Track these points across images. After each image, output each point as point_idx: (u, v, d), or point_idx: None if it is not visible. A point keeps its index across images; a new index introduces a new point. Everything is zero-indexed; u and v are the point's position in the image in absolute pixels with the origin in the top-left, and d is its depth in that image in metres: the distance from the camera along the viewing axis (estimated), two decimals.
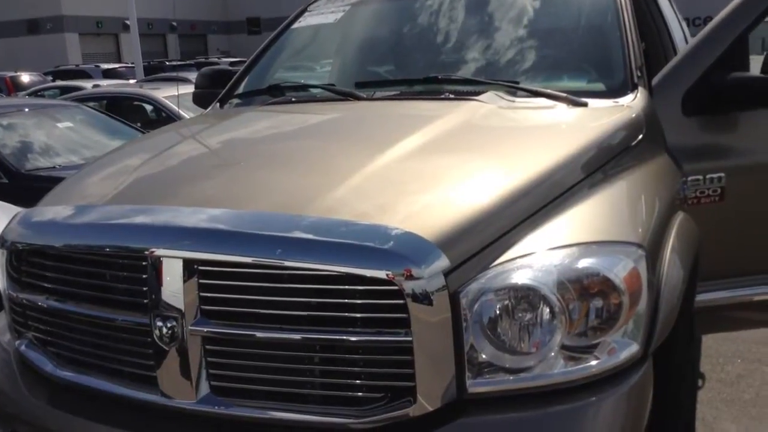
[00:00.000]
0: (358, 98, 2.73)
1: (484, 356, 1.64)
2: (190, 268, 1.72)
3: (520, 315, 1.64)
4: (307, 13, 3.54)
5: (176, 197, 1.95)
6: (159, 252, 1.75)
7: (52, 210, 2.09)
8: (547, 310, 1.64)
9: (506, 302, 1.64)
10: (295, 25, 3.52)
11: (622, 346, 1.70)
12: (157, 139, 2.81)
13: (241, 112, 3.02)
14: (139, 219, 1.86)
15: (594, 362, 1.68)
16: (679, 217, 2.21)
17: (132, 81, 14.81)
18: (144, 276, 1.77)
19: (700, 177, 2.56)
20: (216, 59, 27.00)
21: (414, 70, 3.01)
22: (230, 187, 2.01)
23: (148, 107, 8.56)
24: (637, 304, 1.72)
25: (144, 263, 1.77)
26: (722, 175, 2.57)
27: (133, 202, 1.99)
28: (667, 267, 1.92)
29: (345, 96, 2.77)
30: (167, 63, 25.24)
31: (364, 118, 2.60)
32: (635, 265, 1.74)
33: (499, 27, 2.98)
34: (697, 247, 2.25)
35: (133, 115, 8.25)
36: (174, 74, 14.41)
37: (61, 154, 5.80)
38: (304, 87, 3.08)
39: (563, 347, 1.66)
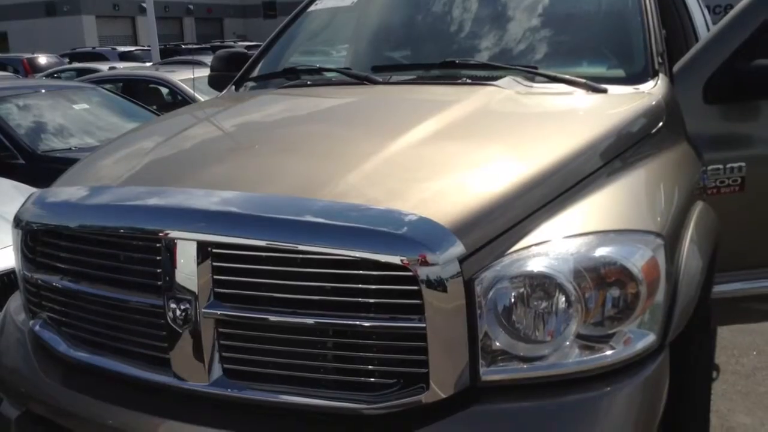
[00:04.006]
0: (375, 82, 2.71)
1: (498, 344, 1.63)
2: (203, 250, 1.71)
3: (535, 303, 1.62)
4: None
5: (191, 179, 1.94)
6: (173, 234, 1.74)
7: (67, 191, 2.09)
8: (563, 298, 1.61)
9: (521, 290, 1.62)
10: (311, 8, 3.49)
11: (638, 337, 1.68)
12: (172, 121, 2.81)
13: (256, 95, 3.00)
14: (154, 201, 1.85)
15: (609, 352, 1.66)
16: (699, 207, 2.17)
17: (148, 64, 14.85)
18: (158, 258, 1.77)
19: (721, 166, 2.53)
20: (232, 43, 26.99)
21: (431, 54, 2.98)
22: (245, 170, 2.00)
23: (164, 90, 8.58)
24: (655, 294, 1.69)
25: (158, 245, 1.77)
26: (743, 164, 2.53)
27: (147, 184, 1.98)
28: (686, 257, 1.89)
29: (361, 80, 2.75)
30: (183, 46, 25.24)
31: (380, 102, 2.57)
32: (653, 254, 1.71)
33: (517, 12, 2.94)
34: (717, 237, 2.22)
35: (149, 97, 8.27)
36: (190, 57, 14.44)
37: (77, 135, 5.82)
38: (320, 70, 3.06)
39: (578, 336, 1.64)
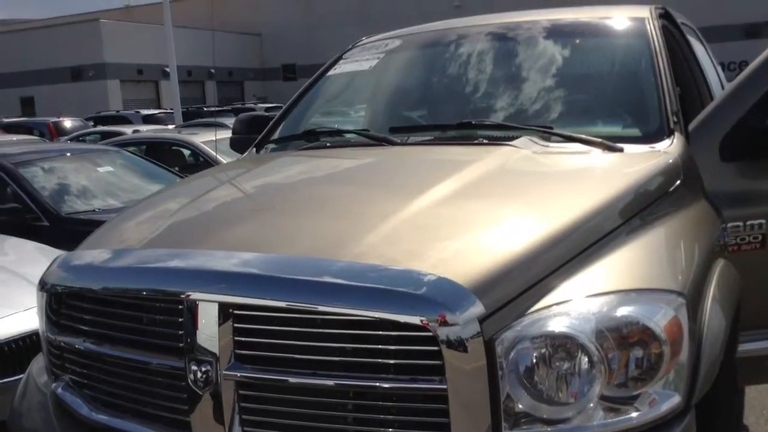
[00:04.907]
0: (392, 143, 2.75)
1: (520, 406, 1.61)
2: (225, 311, 1.73)
3: (557, 364, 1.61)
4: (342, 61, 3.59)
5: (213, 241, 1.97)
6: (195, 296, 1.76)
7: (91, 254, 2.13)
8: (586, 359, 1.60)
9: (543, 350, 1.61)
10: (331, 72, 3.57)
11: (663, 398, 1.66)
12: (194, 184, 2.86)
13: (277, 157, 3.06)
14: (176, 263, 1.88)
15: (634, 414, 1.63)
16: (720, 265, 2.16)
17: (171, 126, 15.17)
18: (180, 319, 1.79)
19: (740, 223, 2.51)
20: (252, 105, 27.56)
21: (448, 115, 3.03)
22: (265, 231, 2.03)
23: (186, 152, 8.75)
24: (679, 353, 1.68)
25: (180, 307, 1.79)
26: (763, 221, 2.52)
27: (170, 246, 2.01)
28: (709, 316, 1.87)
29: (379, 141, 2.80)
30: (205, 109, 25.79)
31: (398, 163, 2.61)
32: (676, 313, 1.70)
33: (532, 73, 2.99)
34: (739, 295, 2.20)
35: (172, 159, 8.43)
36: (212, 120, 14.75)
37: (101, 197, 5.92)
38: (339, 132, 3.12)
39: (602, 398, 1.62)
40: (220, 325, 1.73)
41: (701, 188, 2.45)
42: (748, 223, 2.52)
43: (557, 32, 3.16)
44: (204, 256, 1.86)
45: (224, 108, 24.81)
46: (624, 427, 1.62)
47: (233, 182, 2.67)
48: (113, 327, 1.97)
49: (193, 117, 20.25)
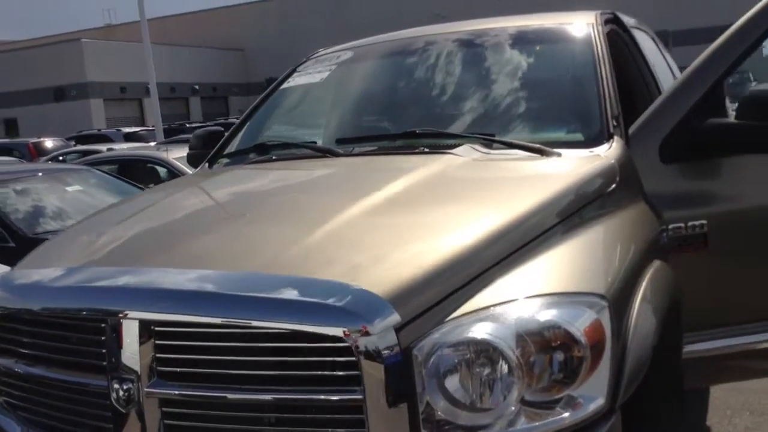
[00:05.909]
0: (337, 155, 2.75)
1: (440, 414, 1.60)
2: (147, 329, 1.72)
3: (476, 370, 1.60)
4: (296, 74, 3.61)
5: (141, 259, 1.96)
6: (118, 314, 1.75)
7: (24, 273, 2.12)
8: (504, 364, 1.60)
9: (461, 357, 1.60)
10: (284, 86, 3.58)
11: (586, 401, 1.65)
12: (135, 202, 2.85)
13: (225, 171, 3.05)
14: (101, 282, 1.87)
15: (557, 417, 1.63)
16: (654, 266, 2.16)
17: (152, 143, 15.14)
18: (103, 338, 1.78)
19: (682, 224, 2.52)
20: (235, 119, 27.53)
21: (394, 125, 3.03)
22: (196, 247, 2.01)
23: (162, 169, 8.72)
24: (601, 357, 1.67)
25: (104, 325, 1.78)
26: (704, 222, 2.52)
27: (98, 265, 2.01)
28: (636, 317, 1.87)
29: (324, 153, 2.80)
30: (187, 125, 25.75)
31: (340, 174, 2.61)
32: (598, 316, 1.70)
33: (477, 82, 3.00)
34: (676, 295, 2.20)
35: (147, 177, 8.39)
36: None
37: (70, 217, 5.89)
38: (287, 145, 3.11)
39: (525, 402, 1.62)
40: (141, 342, 1.72)
41: (640, 191, 2.45)
42: (690, 223, 2.52)
43: (504, 40, 3.17)
44: (127, 274, 1.86)
45: (206, 124, 24.77)
46: (547, 431, 1.62)
47: (173, 199, 2.65)
48: (42, 348, 1.96)
49: (175, 133, 20.18)
